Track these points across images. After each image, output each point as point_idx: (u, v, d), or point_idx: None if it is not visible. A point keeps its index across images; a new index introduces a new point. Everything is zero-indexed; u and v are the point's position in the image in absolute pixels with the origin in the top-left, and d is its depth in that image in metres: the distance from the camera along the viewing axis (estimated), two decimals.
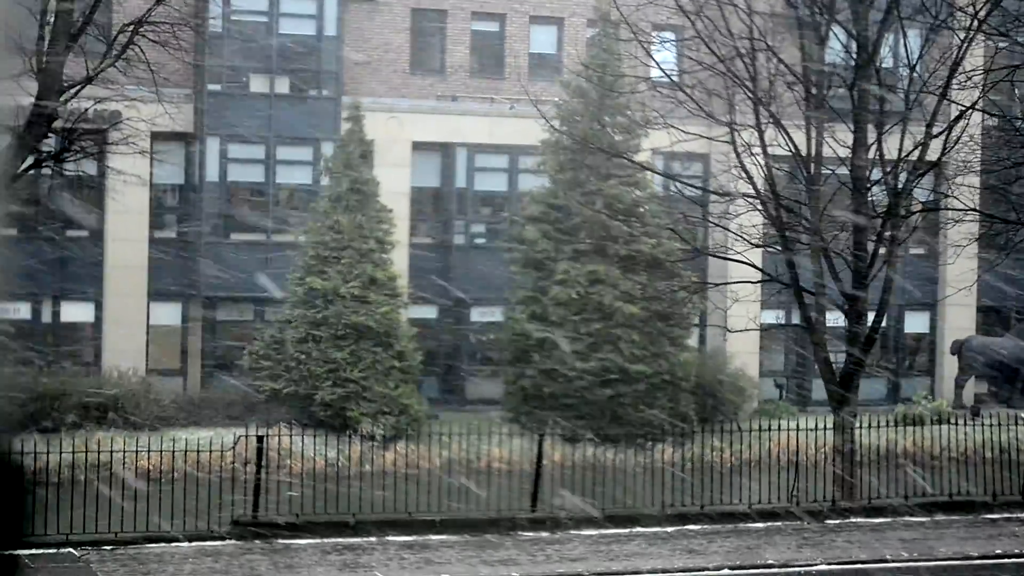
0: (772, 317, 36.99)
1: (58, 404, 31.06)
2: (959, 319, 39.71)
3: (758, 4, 24.90)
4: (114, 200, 33.16)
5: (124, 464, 24.45)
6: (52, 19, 23.70)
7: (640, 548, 21.19)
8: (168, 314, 36.07)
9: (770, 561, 20.60)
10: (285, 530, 21.15)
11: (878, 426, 26.40)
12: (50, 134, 25.08)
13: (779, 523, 22.87)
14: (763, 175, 25.19)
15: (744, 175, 25.02)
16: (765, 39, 24.63)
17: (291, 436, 25.80)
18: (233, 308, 36.24)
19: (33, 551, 19.71)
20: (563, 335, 32.96)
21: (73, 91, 24.45)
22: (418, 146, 37.37)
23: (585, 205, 33.27)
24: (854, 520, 23.33)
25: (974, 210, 27.41)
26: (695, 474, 25.22)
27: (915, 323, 40.99)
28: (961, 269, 32.96)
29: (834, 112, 25.25)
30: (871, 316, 25.18)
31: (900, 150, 24.68)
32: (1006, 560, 21.11)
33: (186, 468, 25.42)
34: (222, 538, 20.90)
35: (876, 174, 25.10)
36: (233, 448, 24.46)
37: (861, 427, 25.36)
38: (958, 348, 38.45)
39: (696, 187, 29.80)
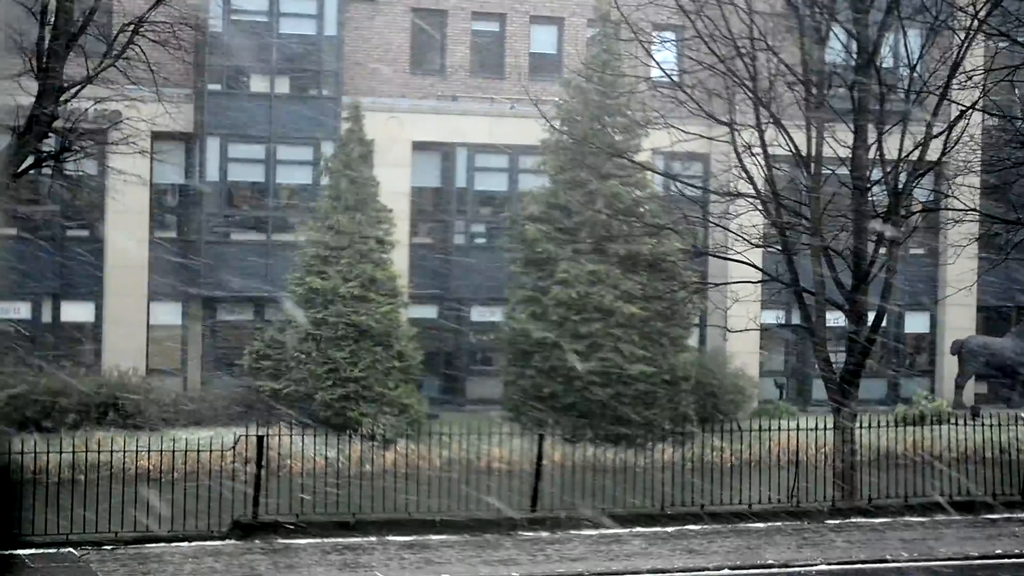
0: (772, 317, 37.01)
1: (58, 404, 31.06)
2: (959, 319, 39.72)
3: (758, 4, 24.90)
4: (114, 200, 33.17)
5: (124, 464, 24.43)
6: (52, 19, 23.68)
7: (640, 548, 21.19)
8: (168, 314, 36.07)
9: (770, 561, 20.60)
10: (285, 530, 21.14)
11: (878, 426, 26.40)
12: (50, 134, 25.07)
13: (779, 523, 22.86)
14: (763, 175, 25.19)
15: (744, 175, 25.02)
16: (765, 39, 24.62)
17: (291, 436, 25.79)
18: (233, 308, 36.24)
19: (33, 551, 19.71)
20: (563, 335, 32.97)
21: (73, 91, 24.45)
22: (418, 146, 37.39)
23: (585, 205, 33.28)
24: (854, 520, 23.32)
25: (974, 210, 27.42)
26: (695, 474, 25.21)
27: (915, 323, 41.00)
28: (961, 269, 32.96)
29: (834, 112, 25.24)
30: (871, 316, 25.17)
31: (900, 150, 24.67)
32: (1006, 560, 21.10)
33: (186, 468, 25.41)
34: (222, 538, 20.89)
35: (876, 174, 25.10)
36: (233, 448, 24.46)
37: (861, 427, 25.35)
38: (958, 348, 38.46)
39: (696, 187, 29.80)
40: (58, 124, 24.99)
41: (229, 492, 22.50)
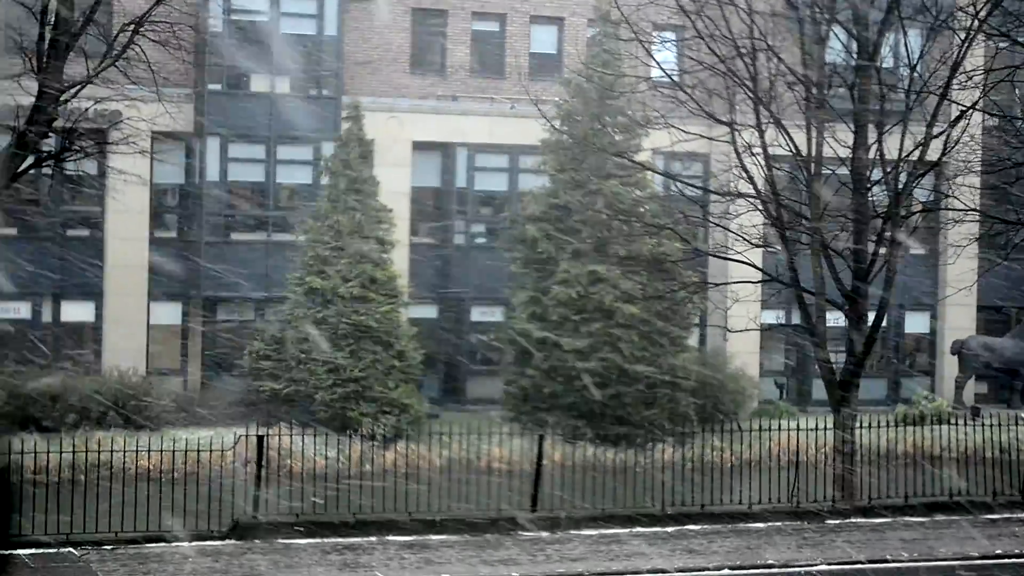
0: (772, 317, 37.01)
1: (58, 404, 31.07)
2: (959, 319, 39.73)
3: (758, 4, 24.89)
4: (114, 200, 33.18)
5: (124, 464, 24.42)
6: (52, 19, 23.66)
7: (640, 548, 21.18)
8: (168, 314, 36.09)
9: (770, 561, 20.60)
10: (285, 530, 21.14)
11: (878, 426, 26.38)
12: (50, 134, 25.06)
13: (779, 523, 22.85)
14: (763, 175, 25.18)
15: (744, 175, 25.00)
16: (765, 39, 24.62)
17: (291, 436, 25.79)
18: (233, 308, 36.24)
19: (33, 551, 19.71)
20: (563, 335, 32.97)
21: (73, 91, 24.42)
22: (418, 146, 37.39)
23: (585, 205, 33.29)
24: (854, 520, 23.32)
25: (974, 210, 27.40)
26: (695, 474, 25.21)
27: (915, 323, 41.00)
28: (961, 269, 32.96)
29: (834, 112, 25.23)
30: (871, 316, 25.16)
31: (900, 150, 24.66)
32: (1006, 560, 21.10)
33: (186, 468, 25.40)
34: (222, 538, 20.89)
35: (876, 174, 25.09)
36: (233, 448, 24.45)
37: (861, 427, 25.34)
38: (958, 348, 38.47)
39: (696, 187, 29.79)
40: (58, 124, 24.97)
41: (229, 492, 22.49)
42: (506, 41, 38.40)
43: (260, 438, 22.07)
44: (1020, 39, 25.55)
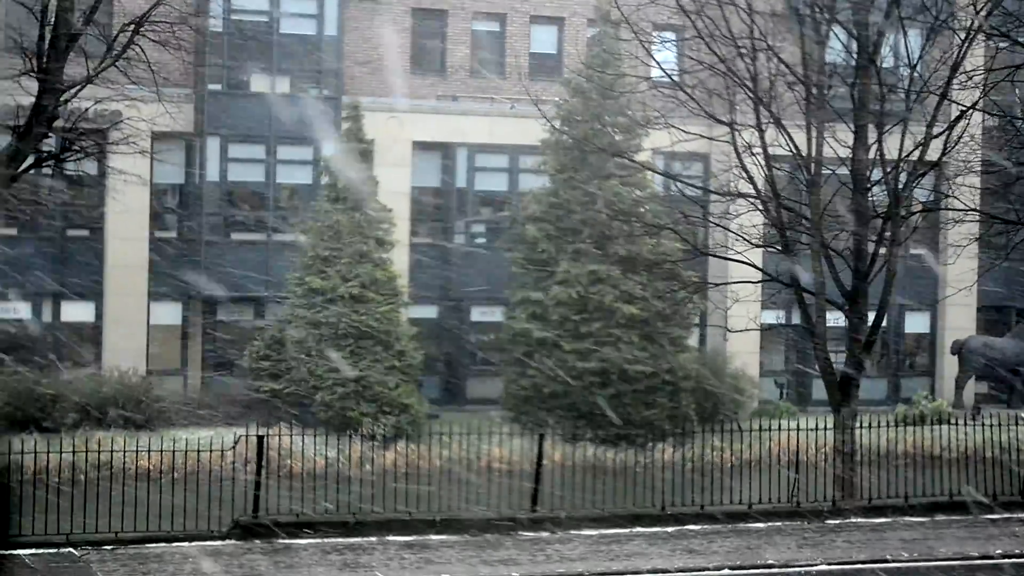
0: (772, 317, 37.00)
1: (58, 404, 31.06)
2: (959, 319, 39.72)
3: (758, 4, 24.89)
4: (114, 200, 33.16)
5: (124, 464, 24.43)
6: (52, 19, 23.66)
7: (640, 548, 21.19)
8: (168, 314, 36.07)
9: (770, 561, 20.60)
10: (285, 530, 21.14)
11: (878, 426, 26.39)
12: (50, 134, 25.05)
13: (779, 523, 22.86)
14: (764, 175, 25.18)
15: (744, 175, 25.02)
16: (766, 39, 24.62)
17: (291, 436, 25.79)
18: (233, 308, 36.22)
19: (33, 551, 19.72)
20: (563, 335, 32.97)
21: (73, 91, 24.42)
22: (418, 146, 37.39)
23: (585, 205, 33.29)
24: (854, 520, 23.33)
25: (974, 210, 27.41)
26: (695, 474, 25.21)
27: (915, 323, 41.00)
28: (961, 269, 32.96)
29: (834, 112, 25.24)
30: (871, 316, 25.16)
31: (900, 150, 24.68)
32: (1006, 560, 21.10)
33: (186, 468, 25.41)
34: (222, 538, 20.89)
35: (876, 174, 25.10)
36: (233, 448, 24.44)
37: (861, 427, 25.35)
38: (958, 348, 38.47)
39: (696, 187, 29.81)
40: (58, 124, 24.97)
41: (229, 492, 22.50)
42: (506, 41, 38.39)
43: (260, 438, 22.08)
44: (1020, 39, 25.55)
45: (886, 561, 20.80)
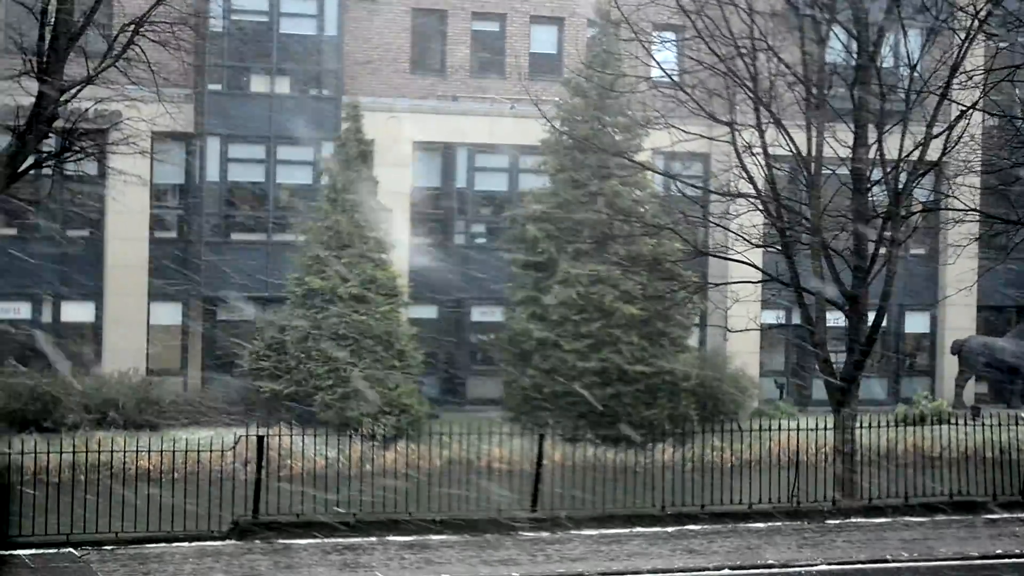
0: (772, 317, 37.01)
1: (58, 404, 31.05)
2: (959, 319, 39.72)
3: (758, 4, 24.89)
4: (114, 200, 33.17)
5: (124, 464, 24.43)
6: (52, 19, 23.66)
7: (640, 548, 21.19)
8: (168, 314, 36.08)
9: (770, 561, 20.60)
10: (285, 530, 21.14)
11: (878, 426, 26.38)
12: (50, 134, 25.05)
13: (779, 523, 22.85)
14: (764, 175, 25.18)
15: (745, 175, 25.01)
16: (766, 39, 24.62)
17: (291, 436, 25.79)
18: (233, 308, 36.22)
19: (33, 551, 19.71)
20: (563, 335, 32.97)
21: (73, 91, 24.42)
22: (418, 146, 37.39)
23: (585, 205, 33.29)
24: (854, 520, 23.32)
25: (974, 210, 27.40)
26: (695, 474, 25.20)
27: (915, 323, 41.00)
28: (961, 269, 32.96)
29: (835, 112, 25.24)
30: (871, 316, 25.16)
31: (900, 150, 24.67)
32: (1006, 560, 21.10)
33: (186, 468, 25.41)
34: (222, 538, 20.89)
35: (876, 174, 25.09)
36: (233, 448, 24.44)
37: (861, 427, 25.34)
38: (958, 348, 38.47)
39: (696, 187, 29.81)
40: (58, 124, 24.96)
41: (229, 492, 22.50)
42: (506, 41, 38.39)
43: (260, 438, 22.07)
44: (1020, 39, 25.54)
45: (886, 561, 20.80)
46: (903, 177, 24.92)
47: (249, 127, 35.70)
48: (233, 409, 32.41)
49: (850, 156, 24.85)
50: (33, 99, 23.81)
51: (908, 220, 25.97)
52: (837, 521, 23.23)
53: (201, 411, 32.41)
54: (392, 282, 33.53)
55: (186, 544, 20.52)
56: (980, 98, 24.91)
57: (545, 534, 21.80)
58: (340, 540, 20.93)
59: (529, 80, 35.15)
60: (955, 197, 27.03)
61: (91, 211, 35.37)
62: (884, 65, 25.87)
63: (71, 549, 19.95)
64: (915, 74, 25.12)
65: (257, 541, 20.78)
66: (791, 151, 25.03)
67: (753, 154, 24.91)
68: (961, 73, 24.54)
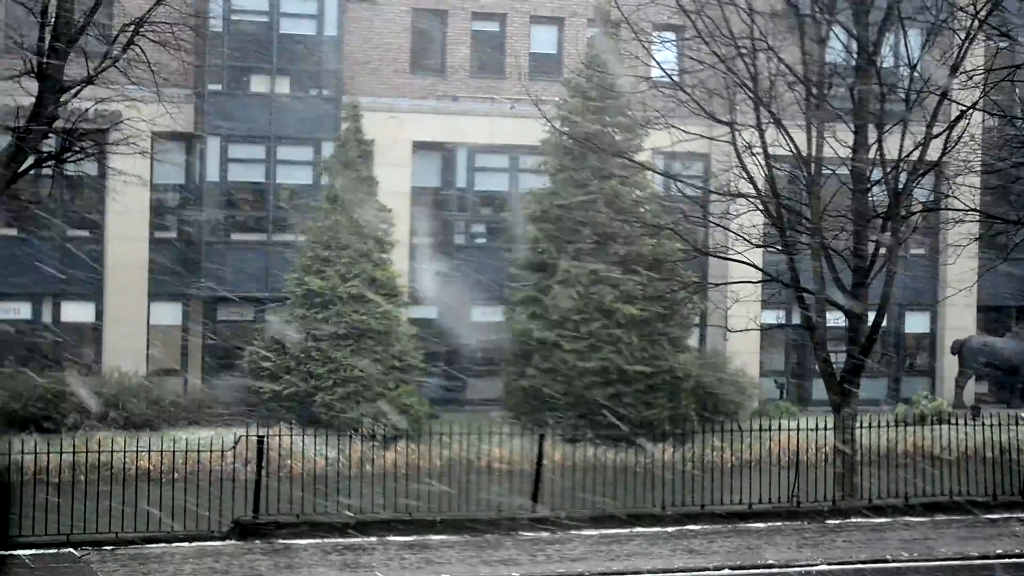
0: (772, 317, 37.01)
1: (58, 404, 31.05)
2: (959, 319, 39.72)
3: (758, 4, 24.89)
4: (114, 200, 33.17)
5: (124, 464, 24.42)
6: (52, 19, 23.65)
7: (640, 548, 21.19)
8: (168, 314, 36.08)
9: (770, 561, 20.60)
10: (285, 530, 21.14)
11: (878, 426, 26.38)
12: (50, 134, 25.04)
13: (779, 523, 22.86)
14: (764, 175, 25.18)
15: (745, 175, 25.01)
16: (766, 39, 24.62)
17: (291, 436, 25.79)
18: (233, 308, 36.23)
19: (34, 551, 19.71)
20: (563, 335, 32.96)
21: (73, 91, 24.41)
22: (418, 146, 37.40)
23: (585, 205, 33.28)
24: (854, 520, 23.32)
25: (974, 210, 27.40)
26: (695, 474, 25.21)
27: (915, 323, 41.00)
28: (961, 269, 32.96)
29: (835, 112, 25.23)
30: (871, 316, 25.16)
31: (900, 150, 24.67)
32: (1006, 560, 21.10)
33: (186, 468, 25.41)
34: (222, 538, 20.89)
35: (876, 174, 25.09)
36: (233, 448, 24.44)
37: (861, 427, 25.34)
38: (958, 348, 38.48)
39: (696, 187, 29.81)
40: (58, 124, 24.95)
41: (229, 492, 22.49)
42: (506, 41, 38.40)
43: (260, 438, 22.07)
44: (1020, 39, 25.54)
45: (886, 561, 20.80)
46: (903, 177, 24.92)
47: (249, 127, 35.71)
48: (233, 409, 32.40)
49: (850, 156, 24.85)
50: (33, 99, 23.81)
51: (908, 220, 25.98)
52: (837, 521, 23.23)
53: (201, 411, 32.41)
54: (392, 282, 33.53)
55: (186, 544, 20.53)
56: (980, 98, 24.91)
57: (545, 534, 21.81)
58: (340, 540, 20.93)
59: (529, 80, 35.15)
60: (955, 197, 27.02)
61: (91, 211, 35.38)
62: (884, 65, 25.87)
63: (71, 549, 19.95)
64: (915, 74, 25.12)
65: (257, 541, 20.79)
66: (791, 151, 25.03)
67: (753, 154, 24.90)
68: (961, 73, 24.54)
